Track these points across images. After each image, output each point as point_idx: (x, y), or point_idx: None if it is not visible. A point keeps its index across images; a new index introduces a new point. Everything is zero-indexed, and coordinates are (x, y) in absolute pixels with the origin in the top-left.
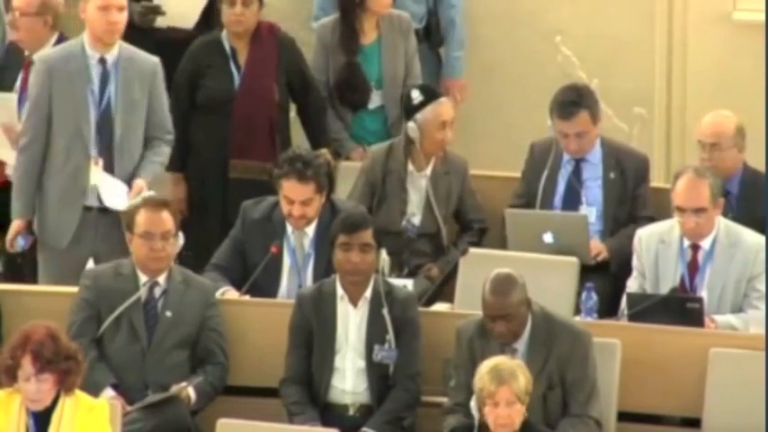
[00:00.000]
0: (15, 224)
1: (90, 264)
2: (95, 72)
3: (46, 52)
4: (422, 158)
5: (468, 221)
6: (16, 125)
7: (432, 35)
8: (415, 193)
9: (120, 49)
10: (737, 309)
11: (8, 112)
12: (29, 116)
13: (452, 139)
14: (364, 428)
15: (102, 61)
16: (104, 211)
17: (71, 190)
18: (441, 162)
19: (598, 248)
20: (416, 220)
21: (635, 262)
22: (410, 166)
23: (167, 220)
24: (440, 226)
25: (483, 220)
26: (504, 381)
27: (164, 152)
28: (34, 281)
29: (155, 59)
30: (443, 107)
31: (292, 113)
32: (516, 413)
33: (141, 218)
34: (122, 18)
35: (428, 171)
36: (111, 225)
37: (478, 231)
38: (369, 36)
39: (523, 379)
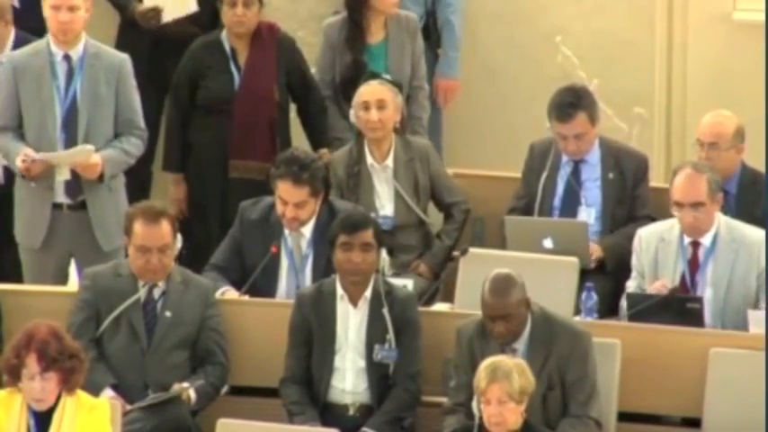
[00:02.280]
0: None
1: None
2: (61, 69)
3: (14, 52)
4: (375, 148)
5: (446, 206)
6: None
7: (430, 35)
8: (381, 185)
9: (85, 45)
10: (747, 305)
11: None
12: (1, 115)
13: (383, 121)
14: (364, 428)
15: (67, 58)
16: (74, 208)
17: (39, 186)
18: (403, 149)
19: (592, 248)
20: (388, 211)
21: (634, 261)
22: (369, 159)
23: (165, 233)
24: (419, 216)
25: (462, 201)
26: (496, 379)
27: (132, 142)
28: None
29: (122, 55)
30: (362, 88)
31: (292, 113)
32: (509, 412)
33: (138, 229)
34: (74, 17)
35: (389, 161)
36: (82, 224)
37: (462, 213)
38: (376, 36)
39: (520, 379)
